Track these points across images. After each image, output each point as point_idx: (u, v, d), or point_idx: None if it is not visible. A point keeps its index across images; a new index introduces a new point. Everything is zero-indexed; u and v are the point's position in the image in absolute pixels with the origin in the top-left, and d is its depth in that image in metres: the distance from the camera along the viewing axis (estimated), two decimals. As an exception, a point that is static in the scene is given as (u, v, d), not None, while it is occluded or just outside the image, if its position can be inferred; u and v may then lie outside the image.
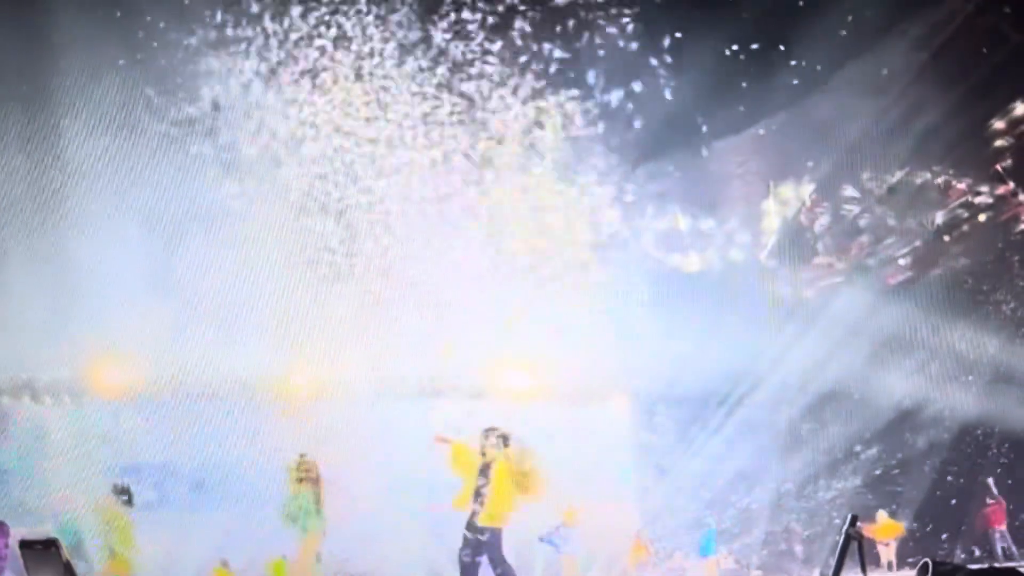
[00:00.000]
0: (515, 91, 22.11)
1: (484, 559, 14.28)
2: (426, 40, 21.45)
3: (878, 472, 25.85)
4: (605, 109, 22.55)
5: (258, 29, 20.64)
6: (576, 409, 24.42)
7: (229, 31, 20.48)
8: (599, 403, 25.08)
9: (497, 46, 21.68)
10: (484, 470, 14.76)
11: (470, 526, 14.26)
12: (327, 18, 20.92)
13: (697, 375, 23.27)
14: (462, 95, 21.84)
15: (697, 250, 26.57)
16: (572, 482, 20.92)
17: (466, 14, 21.40)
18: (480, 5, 21.42)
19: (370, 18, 21.12)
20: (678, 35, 21.60)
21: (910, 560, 22.59)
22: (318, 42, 20.94)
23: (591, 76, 22.24)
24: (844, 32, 21.20)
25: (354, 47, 21.15)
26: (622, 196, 23.45)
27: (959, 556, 22.66)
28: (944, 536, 24.52)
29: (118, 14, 18.80)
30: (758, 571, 24.56)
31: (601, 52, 21.95)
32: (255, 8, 20.52)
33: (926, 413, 25.47)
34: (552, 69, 22.13)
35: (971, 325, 25.11)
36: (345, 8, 21.01)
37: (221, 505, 20.44)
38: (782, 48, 21.56)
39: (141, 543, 16.50)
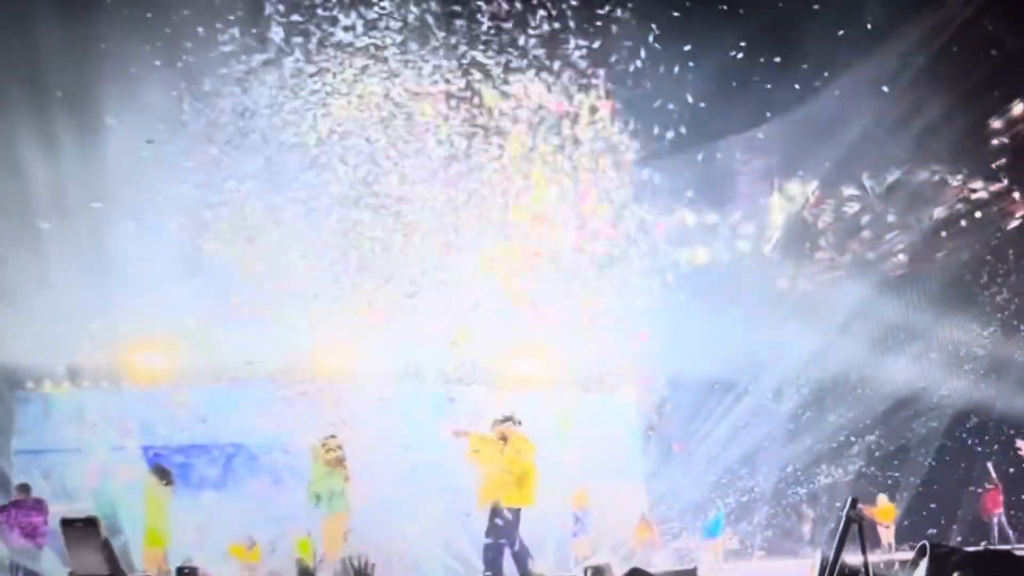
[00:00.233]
0: (526, 92, 22.12)
1: (505, 540, 14.21)
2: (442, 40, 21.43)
3: (878, 456, 25.90)
4: (621, 107, 22.56)
5: (288, 34, 20.67)
6: (587, 396, 24.47)
7: (259, 34, 20.51)
8: (609, 390, 25.10)
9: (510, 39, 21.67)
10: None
11: (493, 509, 14.20)
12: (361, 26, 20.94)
13: (704, 364, 23.30)
14: (475, 90, 21.85)
15: (704, 244, 26.63)
16: (582, 466, 20.99)
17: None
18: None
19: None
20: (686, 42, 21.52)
21: (909, 543, 22.60)
22: (349, 46, 20.94)
23: (602, 75, 22.20)
24: (847, 36, 21.10)
25: (384, 54, 21.15)
26: (633, 191, 23.44)
27: (955, 539, 22.62)
28: (941, 520, 24.52)
29: (149, 15, 18.81)
30: (761, 552, 24.58)
31: (614, 53, 21.91)
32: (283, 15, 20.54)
33: (924, 401, 25.50)
34: (564, 67, 22.11)
35: (967, 316, 25.10)
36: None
37: (249, 485, 20.54)
38: (788, 50, 21.47)
39: (174, 521, 16.54)
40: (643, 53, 21.50)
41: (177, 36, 19.28)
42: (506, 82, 21.77)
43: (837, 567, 5.60)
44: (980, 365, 25.44)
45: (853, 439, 25.74)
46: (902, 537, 23.20)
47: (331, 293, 20.80)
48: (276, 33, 20.44)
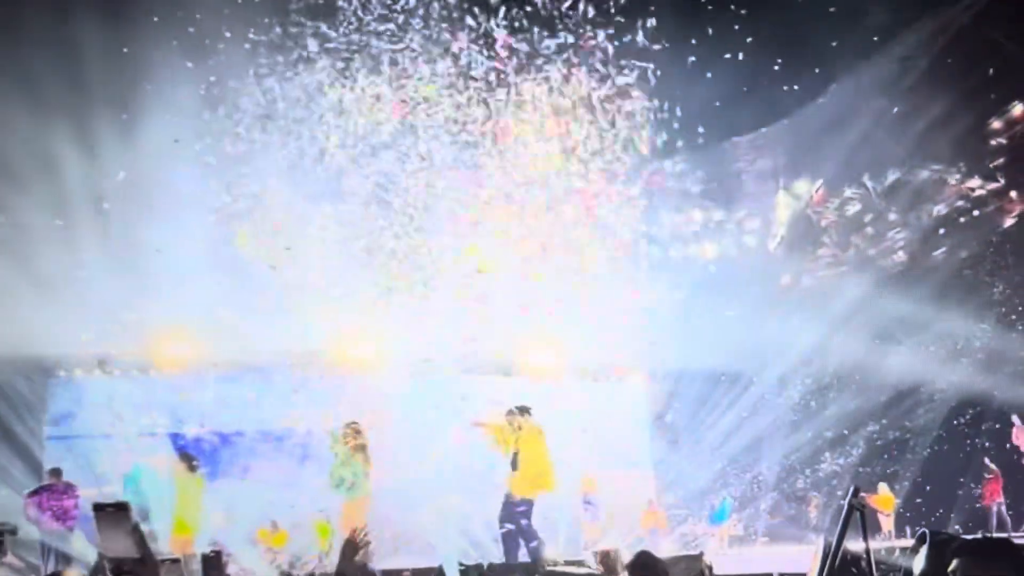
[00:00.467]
0: (535, 97, 22.15)
1: (517, 527, 14.20)
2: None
3: (879, 446, 25.89)
4: (635, 106, 22.57)
5: (309, 33, 20.73)
6: (598, 385, 24.49)
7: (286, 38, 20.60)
8: (619, 380, 25.13)
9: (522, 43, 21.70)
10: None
11: (509, 496, 14.21)
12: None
13: (710, 355, 23.30)
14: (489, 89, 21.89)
15: (712, 240, 26.64)
16: (593, 452, 21.00)
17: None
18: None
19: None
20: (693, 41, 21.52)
21: (908, 530, 22.60)
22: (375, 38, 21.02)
23: (613, 73, 22.21)
24: (850, 40, 21.13)
25: (403, 51, 21.21)
26: (644, 188, 23.49)
27: (954, 527, 22.57)
28: (940, 508, 24.50)
29: (180, 13, 18.89)
30: (765, 538, 24.57)
31: (626, 55, 21.92)
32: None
33: (923, 392, 25.48)
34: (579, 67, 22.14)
35: (966, 310, 25.06)
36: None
37: (272, 470, 20.57)
38: (794, 54, 21.48)
39: (203, 509, 16.55)
40: (653, 54, 21.55)
41: (203, 37, 19.38)
42: (520, 83, 21.83)
43: (839, 553, 5.60)
44: (978, 358, 25.41)
45: (854, 429, 25.74)
46: (902, 525, 23.19)
47: (352, 285, 20.86)
48: (298, 33, 20.52)
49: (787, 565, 12.73)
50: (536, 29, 21.39)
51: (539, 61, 21.73)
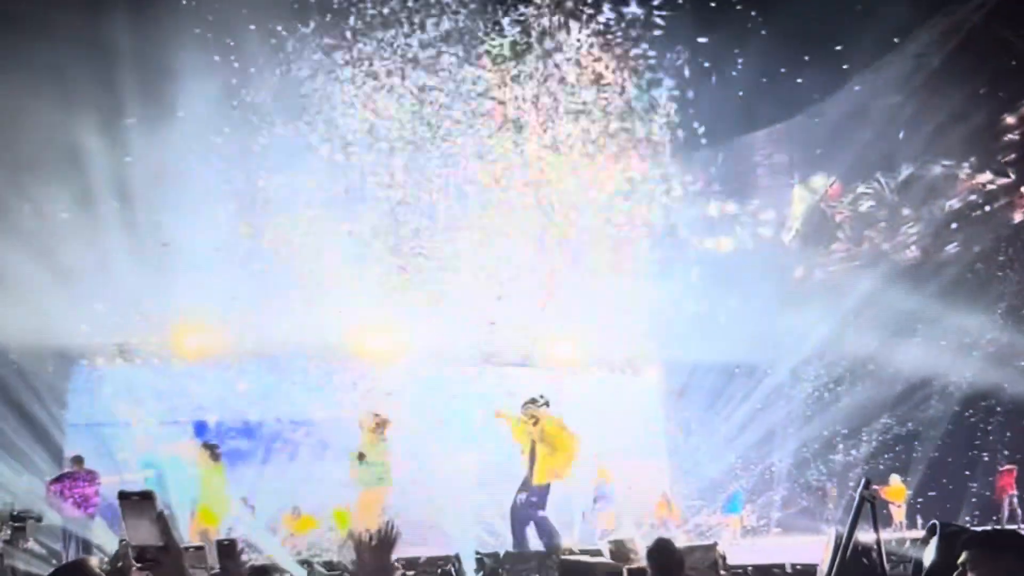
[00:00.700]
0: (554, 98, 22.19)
1: (531, 516, 14.22)
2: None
3: (890, 438, 25.86)
4: (648, 106, 22.59)
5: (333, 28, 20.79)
6: (614, 377, 24.53)
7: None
8: (635, 372, 25.16)
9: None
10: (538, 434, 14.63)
11: (524, 485, 14.24)
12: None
13: (726, 347, 23.32)
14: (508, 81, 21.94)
15: (727, 233, 26.64)
16: (608, 443, 21.02)
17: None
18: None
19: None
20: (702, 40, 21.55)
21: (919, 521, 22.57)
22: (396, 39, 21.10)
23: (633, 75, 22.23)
24: (865, 39, 21.13)
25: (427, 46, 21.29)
26: (662, 182, 23.51)
27: (964, 519, 22.54)
28: (950, 500, 24.47)
29: (209, 16, 18.96)
30: (778, 528, 24.57)
31: (641, 56, 21.96)
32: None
33: (935, 385, 25.44)
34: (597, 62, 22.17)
35: (977, 304, 25.00)
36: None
37: (293, 457, 20.67)
38: (811, 51, 21.50)
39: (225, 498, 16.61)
40: (672, 50, 21.60)
41: (229, 33, 19.46)
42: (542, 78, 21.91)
43: (851, 544, 5.62)
44: (989, 351, 25.36)
45: (867, 422, 25.71)
46: (913, 516, 23.17)
47: (373, 276, 20.92)
48: (323, 28, 20.58)
49: (800, 555, 12.75)
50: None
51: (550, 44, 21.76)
